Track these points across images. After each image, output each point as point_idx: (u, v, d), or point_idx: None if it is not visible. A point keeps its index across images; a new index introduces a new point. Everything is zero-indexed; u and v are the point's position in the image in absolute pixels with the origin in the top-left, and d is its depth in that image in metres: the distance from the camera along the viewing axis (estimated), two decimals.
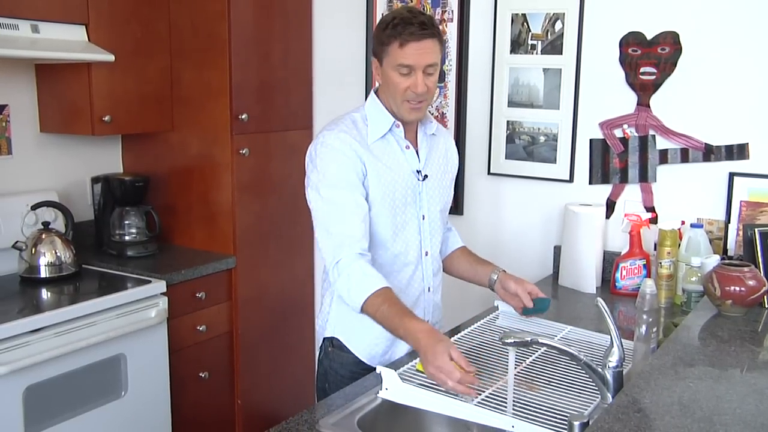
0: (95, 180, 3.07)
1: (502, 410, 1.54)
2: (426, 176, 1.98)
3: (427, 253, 2.01)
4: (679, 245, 2.41)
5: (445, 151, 2.09)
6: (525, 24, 2.80)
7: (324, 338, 2.03)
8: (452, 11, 2.95)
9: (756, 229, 2.13)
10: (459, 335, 1.99)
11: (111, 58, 2.68)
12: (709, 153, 2.53)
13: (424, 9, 3.00)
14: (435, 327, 1.73)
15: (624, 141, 2.67)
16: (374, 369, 1.90)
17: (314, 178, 1.87)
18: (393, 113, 1.92)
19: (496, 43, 2.87)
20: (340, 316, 1.99)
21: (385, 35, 1.83)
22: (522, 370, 1.77)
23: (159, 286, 2.66)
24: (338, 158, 1.85)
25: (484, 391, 1.63)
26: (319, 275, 3.33)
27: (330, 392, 1.94)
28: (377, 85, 1.97)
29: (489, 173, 2.96)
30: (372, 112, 1.93)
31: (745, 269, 1.88)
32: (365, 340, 1.97)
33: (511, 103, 2.87)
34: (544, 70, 2.79)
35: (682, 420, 1.25)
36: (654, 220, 2.61)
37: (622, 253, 2.55)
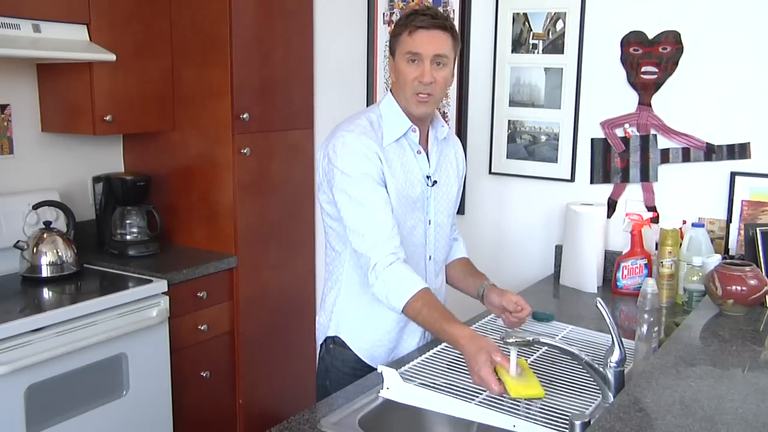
0: (96, 179, 3.07)
1: (495, 408, 1.55)
2: (435, 182, 1.98)
3: (430, 258, 2.01)
4: (681, 245, 2.40)
5: (454, 158, 2.09)
6: (526, 23, 2.80)
7: (326, 337, 2.03)
8: (453, 10, 2.95)
9: (757, 229, 2.13)
10: None
11: (112, 57, 2.68)
12: (710, 152, 2.53)
13: None
14: (475, 331, 1.71)
15: (625, 140, 2.67)
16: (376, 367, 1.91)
17: (339, 180, 1.84)
18: (407, 112, 1.91)
19: (497, 43, 2.87)
20: (345, 316, 1.99)
21: (397, 26, 1.88)
22: None
23: (160, 285, 2.66)
24: (360, 158, 1.83)
25: (485, 391, 1.64)
26: (321, 274, 3.33)
27: (331, 390, 1.94)
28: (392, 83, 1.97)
29: (490, 173, 2.95)
30: (387, 113, 1.92)
31: (747, 269, 1.88)
32: (369, 341, 1.98)
33: (513, 103, 2.87)
34: (546, 69, 2.79)
35: (684, 419, 1.25)
36: (655, 220, 2.61)
37: (623, 253, 2.55)
